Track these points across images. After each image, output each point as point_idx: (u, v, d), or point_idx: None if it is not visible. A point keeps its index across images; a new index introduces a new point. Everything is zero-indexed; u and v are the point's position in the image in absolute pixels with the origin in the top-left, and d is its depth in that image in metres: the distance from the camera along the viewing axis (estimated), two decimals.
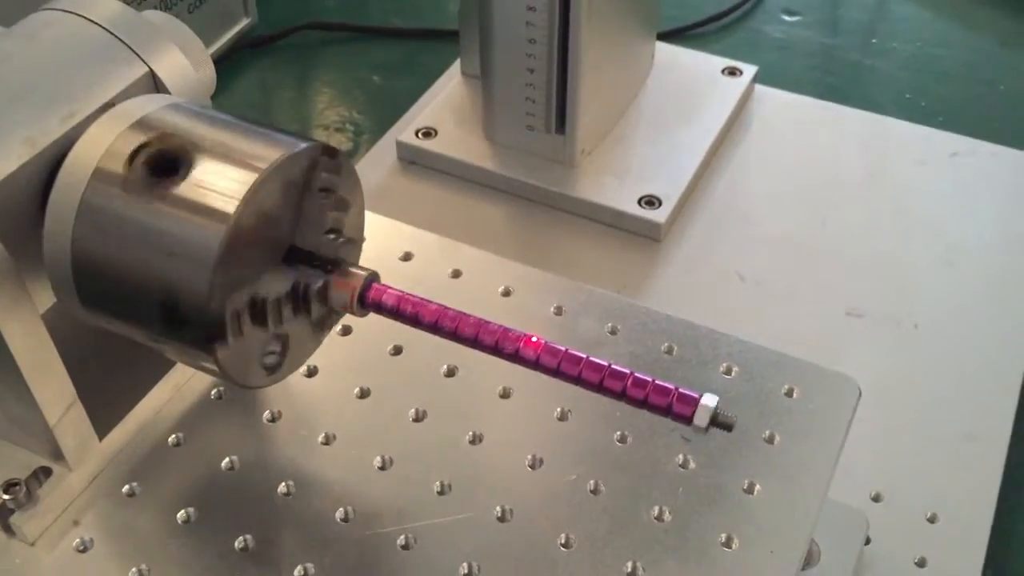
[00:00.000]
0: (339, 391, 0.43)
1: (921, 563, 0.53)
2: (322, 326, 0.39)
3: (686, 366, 0.44)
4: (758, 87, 0.82)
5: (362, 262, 0.38)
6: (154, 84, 0.39)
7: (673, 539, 0.39)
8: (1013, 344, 0.63)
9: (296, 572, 0.37)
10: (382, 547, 0.38)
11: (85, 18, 0.38)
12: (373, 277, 0.36)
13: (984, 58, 0.94)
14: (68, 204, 0.34)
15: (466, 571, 0.38)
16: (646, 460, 0.41)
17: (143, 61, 0.38)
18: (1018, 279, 0.67)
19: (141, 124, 0.35)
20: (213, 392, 0.43)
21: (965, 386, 0.61)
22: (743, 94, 0.79)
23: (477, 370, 0.44)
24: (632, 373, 0.32)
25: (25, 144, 0.34)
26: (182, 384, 0.43)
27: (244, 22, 0.94)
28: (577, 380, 0.33)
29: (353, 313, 0.36)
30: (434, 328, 0.35)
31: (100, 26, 0.38)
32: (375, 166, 0.76)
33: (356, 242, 0.39)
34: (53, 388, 0.37)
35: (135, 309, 0.34)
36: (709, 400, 0.32)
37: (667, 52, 0.82)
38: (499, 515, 0.39)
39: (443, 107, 0.78)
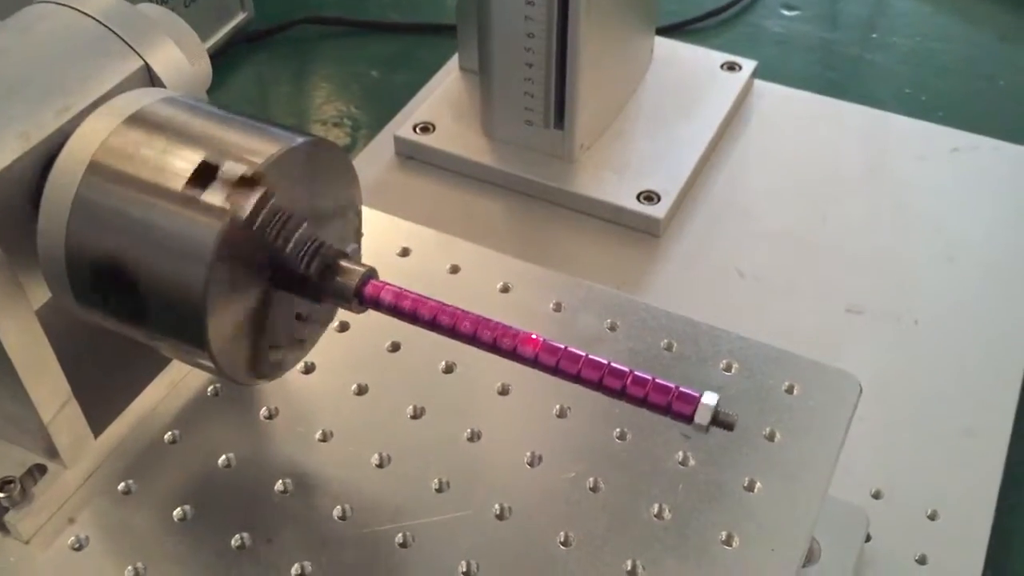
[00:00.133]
0: (336, 388, 0.43)
1: (922, 560, 0.53)
2: (317, 325, 0.39)
3: (686, 363, 0.44)
4: (757, 82, 0.81)
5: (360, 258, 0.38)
6: (149, 78, 0.38)
7: (673, 537, 0.38)
8: (1014, 340, 0.63)
9: (293, 570, 0.37)
10: (380, 545, 0.38)
11: (79, 11, 0.38)
12: (371, 273, 0.36)
13: (984, 53, 0.93)
14: (62, 199, 0.33)
15: (464, 569, 0.37)
16: (646, 457, 0.41)
17: (138, 55, 0.38)
18: (1019, 275, 0.67)
19: (136, 118, 0.34)
20: (209, 389, 0.43)
21: (965, 382, 0.61)
22: (742, 89, 0.79)
23: (476, 367, 0.44)
24: (632, 371, 0.32)
25: (19, 138, 0.34)
26: (178, 381, 0.43)
27: (240, 16, 0.94)
28: (576, 378, 0.33)
29: (351, 309, 0.36)
30: (432, 325, 0.34)
31: (95, 19, 0.38)
32: (373, 161, 0.76)
33: (354, 237, 0.38)
34: (48, 385, 0.37)
35: (130, 305, 0.34)
36: (710, 399, 0.32)
37: (666, 47, 0.82)
38: (498, 513, 0.39)
39: (441, 102, 0.78)
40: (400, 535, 0.38)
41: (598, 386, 0.32)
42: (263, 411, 0.42)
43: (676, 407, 0.32)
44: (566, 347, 0.33)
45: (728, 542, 0.38)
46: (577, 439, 0.42)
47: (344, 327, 0.45)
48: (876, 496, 0.55)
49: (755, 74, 0.81)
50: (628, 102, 0.77)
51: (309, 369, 0.44)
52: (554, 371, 0.33)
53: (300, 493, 0.40)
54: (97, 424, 0.40)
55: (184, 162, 0.33)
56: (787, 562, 0.38)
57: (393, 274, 0.37)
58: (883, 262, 0.68)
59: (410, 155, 0.76)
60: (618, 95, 0.76)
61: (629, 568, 0.37)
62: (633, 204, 0.70)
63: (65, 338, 0.37)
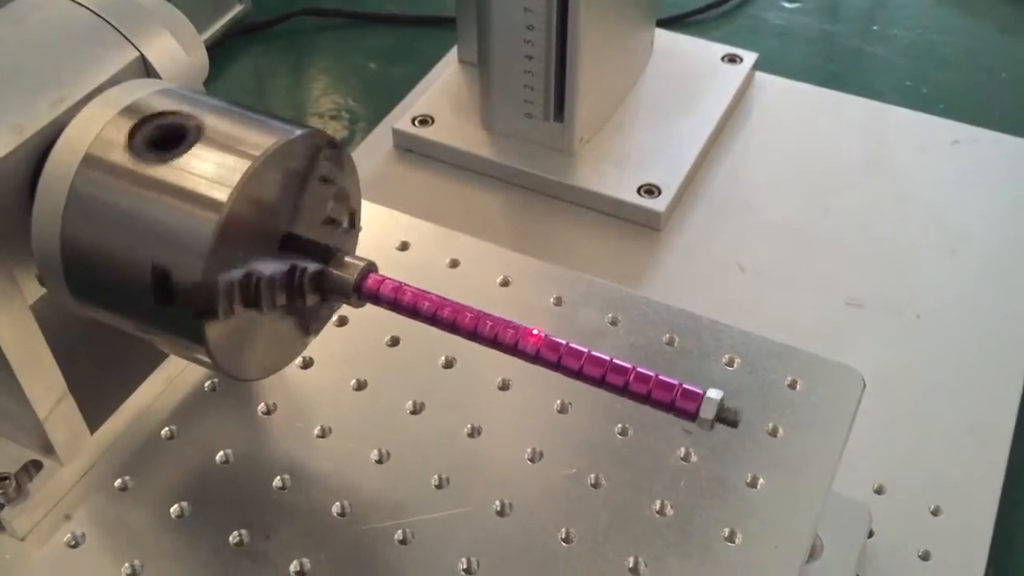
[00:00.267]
0: (335, 383, 0.43)
1: (925, 556, 0.53)
2: (316, 318, 0.38)
3: (688, 357, 0.44)
4: (758, 74, 0.81)
5: (358, 252, 0.38)
6: (145, 69, 0.38)
7: (675, 534, 0.38)
8: (1016, 334, 0.63)
9: (292, 567, 0.37)
10: (379, 542, 0.38)
11: (74, 1, 0.37)
12: (370, 267, 0.35)
13: (985, 45, 0.93)
14: (57, 192, 0.33)
15: (465, 566, 0.37)
16: (647, 453, 0.40)
17: (133, 46, 0.37)
18: (1021, 267, 0.67)
19: (132, 109, 0.34)
20: (207, 384, 0.43)
21: (968, 377, 0.61)
22: (743, 81, 0.79)
23: (476, 361, 0.43)
24: (635, 368, 0.32)
25: (13, 131, 0.34)
26: (175, 376, 0.43)
27: (238, 8, 0.93)
28: (578, 375, 0.32)
29: (350, 303, 0.35)
30: (432, 319, 0.34)
31: (89, 10, 0.37)
32: (371, 154, 0.75)
33: (353, 231, 0.38)
34: (43, 381, 0.37)
35: (126, 299, 0.34)
36: (714, 395, 0.31)
37: (666, 39, 0.81)
38: (498, 509, 0.39)
39: (440, 95, 0.77)
40: (400, 532, 0.38)
41: (600, 383, 0.32)
42: (261, 406, 0.42)
43: (680, 404, 0.31)
44: (568, 343, 0.32)
45: (731, 539, 0.38)
46: (578, 435, 0.41)
47: (343, 321, 0.45)
48: (879, 491, 0.55)
49: (756, 66, 0.80)
50: (628, 95, 0.77)
51: (307, 364, 0.43)
52: (556, 367, 0.32)
53: (298, 489, 0.39)
54: (93, 420, 0.40)
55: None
56: (791, 559, 0.38)
57: (392, 268, 0.37)
58: (884, 255, 0.68)
59: (409, 148, 0.75)
60: (618, 88, 0.76)
61: (631, 565, 0.37)
62: (633, 197, 0.69)
63: (60, 333, 0.37)
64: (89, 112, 0.34)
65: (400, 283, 0.35)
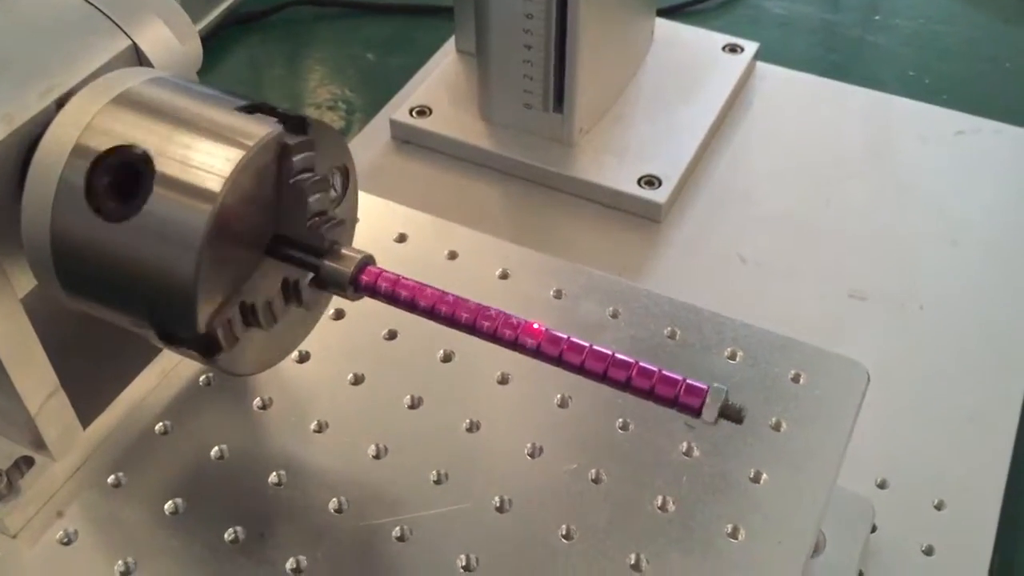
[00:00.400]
0: (332, 377, 0.42)
1: (928, 551, 0.52)
2: (311, 313, 0.38)
3: (689, 351, 0.43)
4: (759, 64, 0.80)
5: (355, 244, 0.37)
6: (137, 58, 0.37)
7: (677, 530, 0.38)
8: (1020, 325, 0.62)
9: (288, 565, 0.36)
10: (377, 538, 0.37)
11: None
12: (367, 260, 0.35)
13: (988, 35, 0.92)
14: (46, 183, 0.32)
15: (464, 563, 0.37)
16: (649, 448, 0.40)
17: (125, 34, 0.37)
18: None
19: (123, 99, 0.33)
20: (201, 378, 0.42)
21: (971, 369, 0.60)
22: (744, 71, 0.78)
23: (475, 355, 0.43)
24: (637, 362, 0.31)
25: (2, 121, 0.33)
26: (169, 370, 0.42)
27: None
28: (580, 370, 0.32)
29: (346, 297, 0.35)
30: (430, 313, 0.33)
31: None
32: (368, 145, 0.75)
33: (349, 223, 0.37)
34: (34, 375, 0.36)
35: (119, 293, 0.33)
36: (718, 391, 0.31)
37: (667, 28, 0.81)
38: (498, 505, 0.38)
39: (438, 85, 0.77)
40: (398, 528, 0.37)
41: (602, 378, 0.31)
42: (257, 401, 0.41)
43: (683, 400, 0.31)
44: (569, 337, 0.32)
45: (734, 535, 0.37)
46: (579, 429, 0.41)
47: (340, 314, 0.44)
48: (881, 486, 0.55)
49: (757, 56, 0.80)
50: (628, 85, 0.76)
51: (304, 358, 0.43)
52: (557, 362, 0.32)
53: (295, 485, 0.39)
54: (86, 415, 0.39)
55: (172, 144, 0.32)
56: (794, 555, 0.37)
57: (389, 260, 0.36)
58: (886, 246, 0.67)
59: (406, 139, 0.75)
60: (618, 78, 0.75)
61: (632, 562, 0.37)
62: (634, 189, 0.69)
63: (51, 327, 0.36)
64: (79, 101, 0.33)
65: (398, 276, 0.34)
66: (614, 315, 0.45)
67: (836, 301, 0.64)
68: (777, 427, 0.41)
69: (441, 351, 0.43)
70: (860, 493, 0.50)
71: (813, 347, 0.43)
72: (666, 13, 0.88)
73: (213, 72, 0.87)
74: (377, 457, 0.40)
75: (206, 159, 0.31)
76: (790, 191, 0.71)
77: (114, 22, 0.37)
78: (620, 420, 0.41)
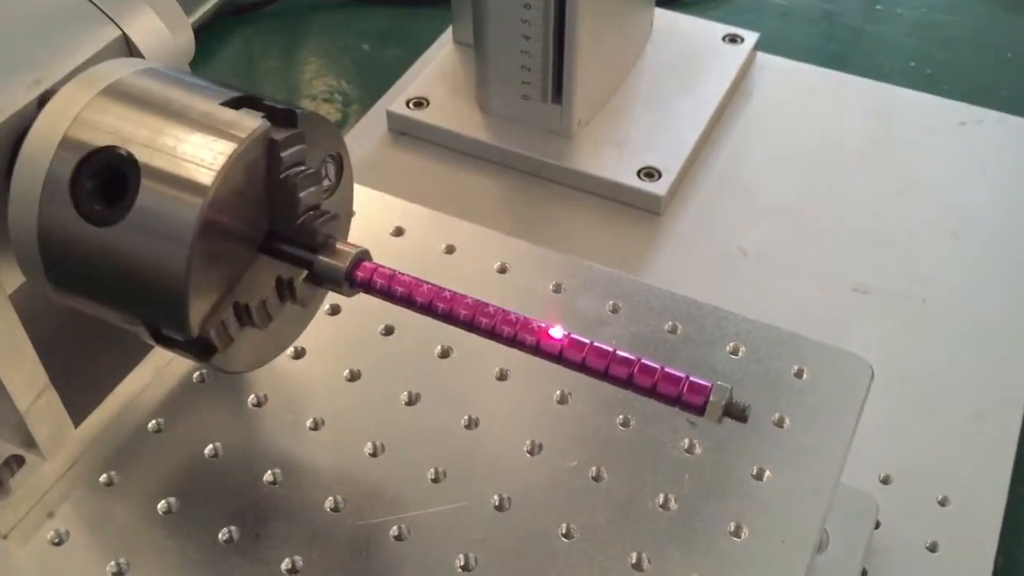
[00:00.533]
0: (328, 373, 0.42)
1: (932, 548, 0.52)
2: (307, 308, 0.37)
3: (691, 346, 0.43)
4: (760, 55, 0.80)
5: (351, 238, 0.37)
6: (127, 49, 0.37)
7: (679, 529, 0.37)
8: None
9: (284, 565, 0.36)
10: (374, 538, 0.37)
11: None
12: (363, 255, 0.34)
13: (990, 24, 0.91)
14: (34, 177, 0.32)
15: (462, 563, 0.36)
16: (650, 445, 0.39)
17: (115, 24, 0.36)
18: None
19: (112, 90, 0.33)
20: (195, 375, 0.42)
21: (976, 363, 0.59)
22: (744, 62, 0.77)
23: (473, 351, 0.42)
24: (639, 359, 0.30)
25: None
26: (162, 367, 0.41)
27: None
28: (581, 367, 0.31)
29: (341, 292, 0.34)
30: (427, 310, 0.33)
31: None
32: (364, 137, 0.74)
33: (344, 217, 0.37)
34: (23, 373, 0.36)
35: (108, 291, 0.32)
36: (722, 389, 0.30)
37: (666, 18, 0.80)
38: (496, 504, 0.38)
39: (435, 76, 0.76)
40: (395, 527, 0.37)
41: (604, 375, 0.31)
42: (251, 398, 0.41)
43: (686, 398, 0.30)
44: (569, 334, 0.31)
45: (736, 533, 0.37)
46: (579, 426, 0.40)
47: (335, 310, 0.44)
48: (885, 482, 0.54)
49: (757, 46, 0.79)
50: (627, 76, 0.75)
51: (299, 354, 0.42)
52: (557, 359, 0.31)
53: (290, 484, 0.38)
54: (77, 413, 0.39)
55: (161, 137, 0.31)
56: (798, 554, 0.37)
57: (386, 255, 0.36)
58: (889, 239, 0.67)
59: (403, 131, 0.74)
60: (617, 69, 0.75)
61: (634, 561, 0.36)
62: (633, 181, 0.68)
63: (41, 323, 0.36)
64: (67, 93, 0.33)
65: (394, 271, 0.34)
66: (614, 310, 0.44)
67: (839, 294, 0.63)
68: (780, 423, 0.40)
69: (439, 347, 0.43)
70: (863, 489, 0.49)
71: (816, 342, 0.43)
72: (665, 3, 0.87)
73: (207, 64, 0.86)
74: (374, 455, 0.39)
75: (197, 152, 0.31)
76: (791, 183, 0.70)
77: (104, 12, 0.36)
78: (621, 417, 0.40)
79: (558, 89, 0.68)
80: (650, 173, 0.68)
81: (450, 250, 0.47)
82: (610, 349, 0.31)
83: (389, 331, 0.43)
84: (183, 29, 0.39)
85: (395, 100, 0.75)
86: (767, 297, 0.62)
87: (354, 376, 0.42)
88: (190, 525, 0.37)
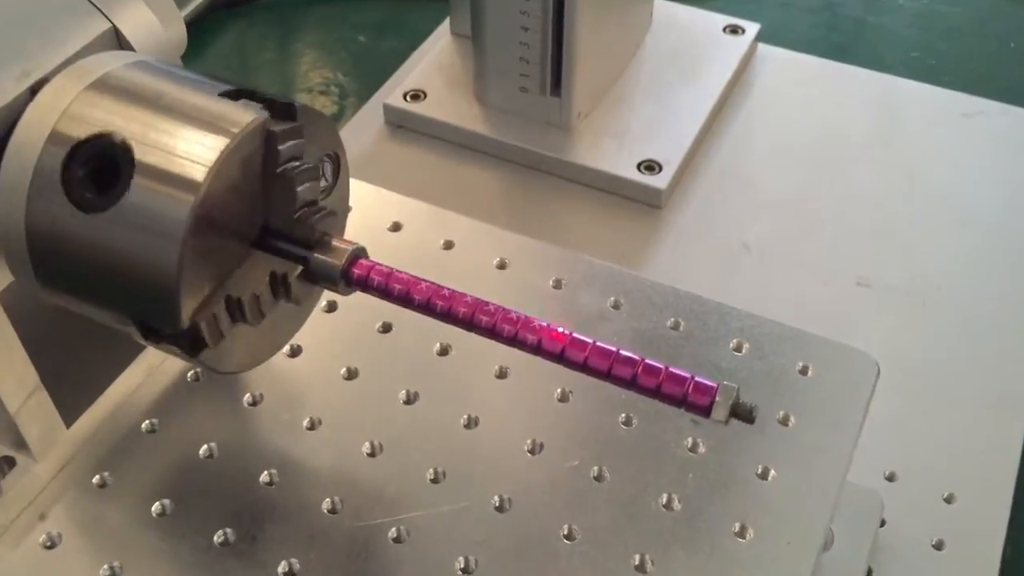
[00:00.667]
0: (325, 371, 0.41)
1: (939, 545, 0.51)
2: (302, 307, 0.36)
3: (694, 343, 0.42)
4: (761, 46, 0.79)
5: (348, 233, 0.36)
6: (117, 41, 0.36)
7: (683, 529, 0.37)
8: None
9: (280, 568, 0.35)
10: (372, 540, 0.36)
11: None
12: (359, 252, 0.33)
13: (993, 14, 0.91)
14: (21, 173, 0.31)
15: (462, 565, 0.36)
16: (653, 444, 0.39)
17: (105, 16, 0.36)
18: None
19: (102, 84, 0.32)
20: (189, 374, 0.41)
21: (981, 357, 0.59)
22: (745, 53, 0.76)
23: (472, 348, 0.41)
24: (643, 360, 0.30)
25: None
26: (155, 366, 0.41)
27: None
28: (583, 367, 0.30)
29: (338, 291, 0.34)
30: (426, 308, 0.32)
31: None
32: (361, 131, 0.73)
33: (340, 213, 0.36)
34: (13, 373, 0.35)
35: (97, 287, 0.32)
36: (728, 389, 0.29)
37: (666, 9, 0.79)
38: (497, 505, 0.37)
39: (432, 68, 0.75)
40: (394, 529, 0.36)
41: (607, 376, 0.30)
42: (247, 397, 0.40)
43: (692, 398, 0.29)
44: (571, 333, 0.30)
45: (741, 534, 0.36)
46: (580, 425, 0.40)
47: (332, 307, 0.43)
48: (890, 479, 0.54)
49: (758, 37, 0.78)
50: (627, 67, 0.75)
51: (295, 352, 0.42)
52: (559, 359, 0.30)
53: (287, 485, 0.38)
54: (69, 413, 0.38)
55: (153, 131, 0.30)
56: (804, 554, 0.36)
57: (383, 250, 0.35)
58: (893, 232, 0.66)
59: (400, 124, 0.73)
60: (617, 60, 0.74)
61: (637, 563, 0.36)
62: (633, 174, 0.67)
63: (31, 322, 0.35)
64: (56, 86, 0.32)
65: (391, 269, 0.33)
66: (615, 306, 0.43)
67: (843, 289, 0.63)
68: (785, 421, 0.40)
69: (438, 344, 0.42)
70: (868, 486, 0.49)
71: (821, 338, 0.42)
72: None
73: (201, 57, 0.85)
74: (372, 455, 0.39)
75: (189, 147, 0.30)
76: (794, 175, 0.70)
77: (93, 3, 0.36)
78: (623, 415, 0.40)
79: (557, 81, 0.68)
80: (650, 166, 0.68)
81: (448, 246, 0.46)
82: (613, 349, 0.30)
83: (387, 328, 0.43)
84: (175, 21, 0.38)
85: (392, 93, 0.74)
86: (770, 291, 0.62)
87: (351, 374, 0.41)
88: (185, 527, 0.36)
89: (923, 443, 0.55)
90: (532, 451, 0.39)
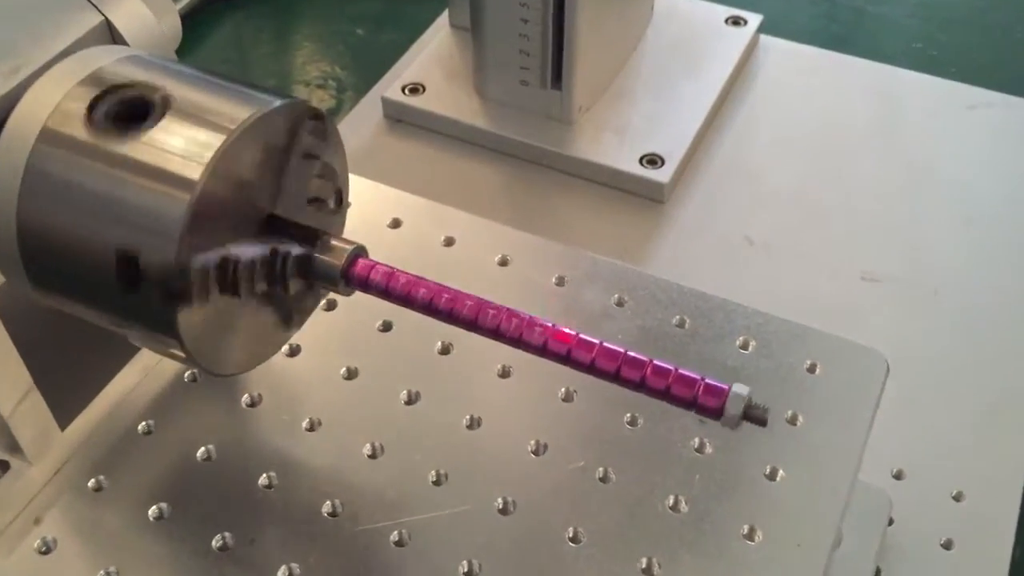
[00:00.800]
0: (324, 371, 0.41)
1: (947, 544, 0.51)
2: (300, 309, 0.35)
3: (700, 341, 0.42)
4: (763, 37, 0.78)
5: (347, 229, 0.36)
6: (110, 35, 0.35)
7: (690, 532, 0.36)
8: None
9: (280, 573, 0.35)
10: (373, 544, 0.36)
11: None
12: (359, 251, 0.33)
13: (996, 3, 0.90)
14: (12, 171, 0.31)
15: (466, 569, 0.35)
16: (659, 444, 0.38)
17: (97, 9, 0.36)
18: None
19: (94, 79, 0.31)
20: (187, 375, 0.41)
21: (989, 354, 0.59)
22: (748, 45, 0.76)
23: (474, 347, 0.41)
24: (652, 361, 0.29)
25: None
26: (152, 366, 0.41)
27: None
28: (590, 368, 0.30)
29: (337, 291, 0.33)
30: (428, 308, 0.31)
31: None
32: (359, 125, 0.73)
33: (340, 210, 0.35)
34: (6, 375, 0.35)
35: (91, 289, 0.31)
36: (740, 392, 0.29)
37: (667, 1, 0.79)
38: (500, 507, 0.37)
39: (431, 61, 0.75)
40: (395, 532, 0.36)
41: (614, 377, 0.29)
42: (245, 398, 0.40)
43: (702, 401, 0.29)
44: (577, 334, 0.29)
45: (750, 536, 0.36)
46: (585, 425, 0.39)
47: (332, 305, 0.43)
48: (898, 477, 0.53)
49: (761, 29, 0.77)
50: (628, 60, 0.74)
51: (295, 352, 0.41)
52: (564, 360, 0.30)
53: (286, 487, 0.37)
54: (63, 415, 0.38)
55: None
56: (814, 557, 0.36)
57: (383, 248, 0.35)
58: (898, 226, 0.66)
59: (399, 118, 0.73)
60: (618, 53, 0.73)
61: (644, 566, 0.35)
62: (635, 168, 0.67)
63: (24, 323, 0.35)
64: (46, 82, 0.31)
65: (392, 268, 0.32)
66: (619, 303, 0.43)
67: (848, 284, 0.62)
68: (793, 421, 0.39)
69: (439, 343, 0.41)
70: (877, 485, 0.49)
71: (829, 335, 0.42)
72: None
73: (197, 51, 0.85)
74: (373, 456, 0.38)
75: (220, 107, 0.30)
76: (797, 168, 0.69)
77: None
78: (628, 415, 0.39)
79: (557, 74, 0.67)
80: (653, 160, 0.67)
81: (449, 242, 0.45)
82: (621, 350, 0.30)
83: (387, 327, 0.42)
84: (169, 14, 0.38)
85: (390, 86, 0.73)
86: (774, 287, 0.61)
87: (351, 374, 0.41)
88: (182, 531, 0.36)
89: (931, 441, 0.55)
90: (536, 452, 0.38)
